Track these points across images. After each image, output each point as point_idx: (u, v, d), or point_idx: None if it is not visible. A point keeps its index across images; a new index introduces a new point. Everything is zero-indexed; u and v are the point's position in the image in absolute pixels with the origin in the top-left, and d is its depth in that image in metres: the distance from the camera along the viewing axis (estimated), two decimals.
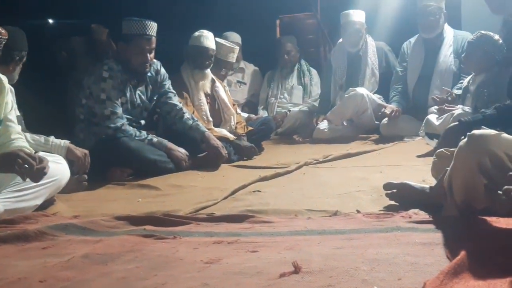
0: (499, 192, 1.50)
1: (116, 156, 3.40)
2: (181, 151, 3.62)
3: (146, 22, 3.53)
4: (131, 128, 3.54)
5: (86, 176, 3.06)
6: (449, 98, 4.17)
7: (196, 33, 4.27)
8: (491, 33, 3.72)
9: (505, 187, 1.44)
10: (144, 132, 3.60)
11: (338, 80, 5.29)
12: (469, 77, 4.02)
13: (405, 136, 4.57)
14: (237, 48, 4.76)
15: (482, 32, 3.77)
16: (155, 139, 3.59)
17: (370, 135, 4.80)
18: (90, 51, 5.16)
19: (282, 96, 5.82)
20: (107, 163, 3.42)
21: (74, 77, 4.35)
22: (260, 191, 2.75)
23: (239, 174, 3.39)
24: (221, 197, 2.61)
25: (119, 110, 3.52)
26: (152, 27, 3.56)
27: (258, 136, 4.48)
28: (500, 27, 3.78)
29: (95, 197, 2.94)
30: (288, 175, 3.27)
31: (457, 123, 2.41)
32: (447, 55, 4.71)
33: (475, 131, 1.77)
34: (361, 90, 4.91)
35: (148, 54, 3.57)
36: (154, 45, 3.60)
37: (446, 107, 4.01)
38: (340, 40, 5.39)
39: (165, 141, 3.61)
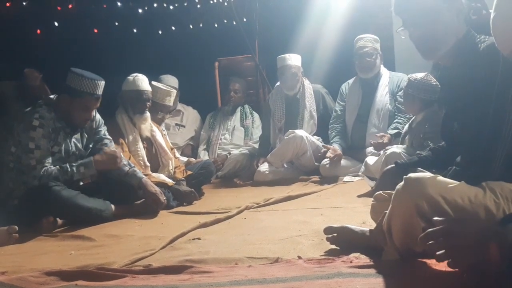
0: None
1: (47, 206, 3.27)
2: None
3: (98, 82, 3.47)
4: (54, 168, 3.41)
5: (16, 228, 2.92)
6: (385, 141, 4.25)
7: (130, 77, 4.24)
8: (422, 76, 3.84)
9: (427, 230, 1.45)
10: (67, 165, 3.48)
11: (277, 123, 5.35)
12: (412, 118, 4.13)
13: (345, 176, 4.63)
14: (174, 91, 4.74)
15: (413, 78, 3.90)
16: (82, 168, 3.49)
17: (310, 177, 4.83)
18: (22, 96, 5.02)
19: (223, 137, 5.83)
20: (38, 214, 3.28)
21: (4, 123, 4.20)
22: (200, 239, 2.69)
23: (179, 221, 3.32)
24: (159, 246, 2.54)
25: (48, 160, 3.40)
26: (102, 87, 3.52)
27: (198, 180, 4.43)
28: (431, 70, 3.94)
29: (24, 250, 2.80)
30: (229, 220, 3.23)
31: (393, 165, 2.44)
32: (383, 95, 4.86)
33: (411, 174, 1.79)
34: (300, 132, 4.96)
35: (92, 112, 3.57)
36: (99, 104, 3.59)
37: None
38: (278, 83, 5.47)
39: (89, 159, 3.56)
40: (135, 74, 4.24)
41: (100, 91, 3.52)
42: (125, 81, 4.27)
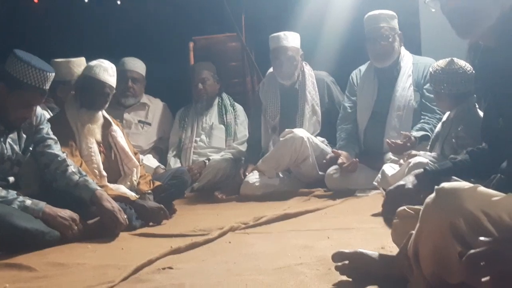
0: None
1: None
2: (63, 216, 3.50)
3: (48, 74, 3.47)
4: None
5: None
6: (408, 144, 4.26)
7: (94, 62, 4.25)
8: (444, 65, 3.83)
9: (470, 251, 1.47)
10: (13, 192, 3.46)
11: (270, 121, 5.36)
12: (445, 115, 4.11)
13: (357, 189, 4.65)
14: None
15: (433, 68, 3.88)
16: (28, 201, 3.46)
17: (313, 190, 4.85)
18: None
19: (198, 139, 5.83)
20: None
21: None
22: (172, 268, 2.70)
23: (144, 246, 3.33)
24: (119, 277, 2.54)
25: None
26: (51, 80, 3.52)
27: (168, 193, 4.42)
28: (467, 53, 3.96)
29: None
30: (209, 244, 3.24)
31: (421, 170, 2.45)
32: (405, 88, 4.85)
33: (445, 184, 1.79)
34: (300, 132, 4.98)
35: (34, 110, 3.57)
36: (43, 100, 3.61)
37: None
38: (270, 69, 5.48)
39: (42, 204, 3.49)
40: (101, 60, 4.24)
41: (48, 85, 3.51)
42: (86, 66, 4.29)
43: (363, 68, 5.13)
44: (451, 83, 3.81)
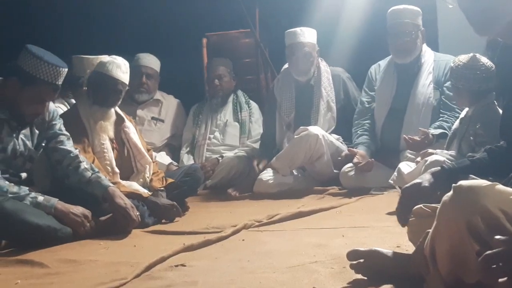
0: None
1: None
2: (76, 212, 3.51)
3: (61, 69, 3.48)
4: (6, 183, 3.42)
5: None
6: (426, 141, 4.24)
7: (107, 58, 4.24)
8: (466, 60, 3.79)
9: (486, 252, 1.46)
10: (25, 188, 3.48)
11: (285, 117, 5.36)
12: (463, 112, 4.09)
13: (373, 188, 4.65)
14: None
15: (454, 64, 3.85)
16: (40, 198, 3.47)
17: (327, 188, 4.86)
18: None
19: (212, 136, 5.83)
20: None
21: None
22: (184, 265, 2.71)
23: (156, 243, 3.34)
24: (131, 275, 2.54)
25: None
26: (64, 75, 3.54)
27: (181, 190, 4.43)
28: (484, 50, 3.93)
29: None
30: (222, 242, 3.25)
31: (438, 168, 2.44)
32: (425, 85, 4.83)
33: (463, 182, 1.78)
34: (314, 129, 4.97)
35: (46, 106, 3.59)
36: (56, 95, 3.63)
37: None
38: (286, 66, 5.47)
39: (54, 200, 3.50)
40: (114, 57, 4.23)
41: (61, 81, 3.53)
42: (99, 62, 4.28)
43: (382, 63, 5.11)
44: (472, 80, 3.78)
